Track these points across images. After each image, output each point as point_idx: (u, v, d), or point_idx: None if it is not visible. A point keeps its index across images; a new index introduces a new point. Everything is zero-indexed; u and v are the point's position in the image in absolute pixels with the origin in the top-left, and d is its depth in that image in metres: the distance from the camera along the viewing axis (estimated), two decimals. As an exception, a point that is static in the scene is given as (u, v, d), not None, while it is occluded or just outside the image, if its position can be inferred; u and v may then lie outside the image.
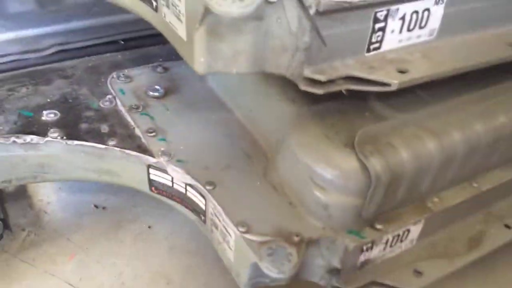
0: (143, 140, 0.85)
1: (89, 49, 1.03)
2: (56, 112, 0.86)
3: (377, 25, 0.68)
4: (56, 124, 0.84)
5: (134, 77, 0.99)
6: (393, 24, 0.69)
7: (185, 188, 0.82)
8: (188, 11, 0.62)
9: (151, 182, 0.86)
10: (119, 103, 0.92)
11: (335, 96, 0.70)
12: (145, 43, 1.07)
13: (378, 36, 0.69)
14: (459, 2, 0.74)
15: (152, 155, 0.83)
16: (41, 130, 0.82)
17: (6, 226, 0.99)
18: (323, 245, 0.72)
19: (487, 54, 0.77)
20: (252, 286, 0.73)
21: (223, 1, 0.55)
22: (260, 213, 0.74)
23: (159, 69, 1.02)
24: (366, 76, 0.67)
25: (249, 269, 0.69)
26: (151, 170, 0.84)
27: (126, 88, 0.96)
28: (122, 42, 1.06)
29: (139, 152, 0.82)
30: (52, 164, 0.85)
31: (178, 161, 0.82)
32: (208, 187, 0.76)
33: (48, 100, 0.89)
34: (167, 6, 0.67)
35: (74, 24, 1.07)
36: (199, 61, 0.63)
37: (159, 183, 0.85)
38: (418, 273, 0.80)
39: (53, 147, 0.82)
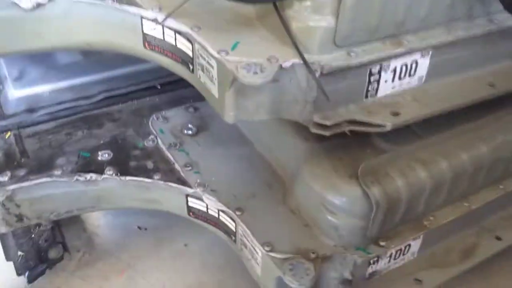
0: (181, 173, 1.01)
1: (132, 94, 1.20)
2: (109, 152, 1.04)
3: (372, 78, 0.83)
4: (110, 163, 1.01)
5: (170, 117, 1.16)
6: (386, 75, 0.84)
7: (218, 213, 0.98)
8: (220, 77, 0.77)
9: (189, 208, 1.02)
10: (159, 141, 1.09)
11: (341, 134, 0.84)
12: (178, 87, 1.24)
13: (373, 86, 0.84)
14: (442, 53, 0.88)
15: (190, 186, 0.99)
16: (98, 168, 0.99)
17: (65, 248, 1.16)
18: (336, 261, 0.87)
19: (470, 93, 0.91)
20: (277, 297, 0.88)
21: (247, 73, 0.71)
22: (281, 234, 0.89)
23: (191, 109, 1.19)
24: (365, 119, 0.82)
25: (274, 282, 0.84)
26: (189, 199, 1.00)
27: (164, 127, 1.13)
28: (159, 87, 1.23)
29: (179, 184, 0.99)
30: (107, 196, 1.02)
31: (212, 190, 0.97)
32: (237, 213, 0.92)
33: (102, 141, 1.07)
34: (202, 70, 0.83)
35: (117, 72, 1.24)
36: (229, 114, 0.79)
37: (196, 209, 1.01)
38: (418, 281, 0.94)
39: (109, 183, 0.99)
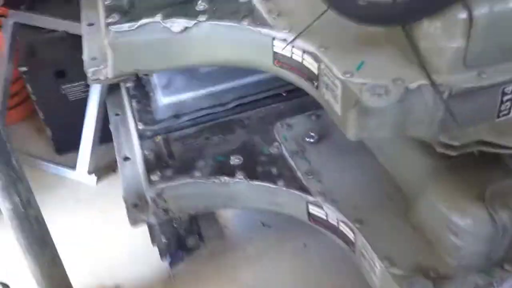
0: (303, 181, 1.07)
1: (260, 102, 1.29)
2: (240, 157, 1.14)
3: (506, 97, 0.79)
4: (240, 167, 1.11)
5: (293, 125, 1.22)
6: (522, 94, 0.80)
7: (337, 223, 1.02)
8: (343, 97, 0.80)
9: (309, 215, 1.08)
10: (283, 148, 1.16)
11: (469, 152, 0.82)
12: (302, 93, 1.29)
13: (506, 105, 0.80)
14: None
15: (310, 194, 1.04)
16: (230, 172, 1.11)
17: (201, 238, 1.31)
18: (457, 281, 0.85)
19: None
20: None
21: (371, 96, 0.73)
22: (401, 249, 0.90)
23: (313, 117, 1.23)
24: (495, 141, 0.79)
25: (393, 297, 0.86)
26: (310, 206, 1.06)
27: (288, 135, 1.19)
28: (284, 94, 1.29)
29: (301, 191, 1.05)
30: (237, 197, 1.12)
31: (332, 200, 1.02)
32: (357, 225, 0.95)
33: (233, 147, 1.17)
34: (326, 88, 0.86)
35: (247, 79, 1.33)
36: (351, 132, 0.81)
37: (316, 216, 1.06)
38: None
39: (239, 185, 1.09)
